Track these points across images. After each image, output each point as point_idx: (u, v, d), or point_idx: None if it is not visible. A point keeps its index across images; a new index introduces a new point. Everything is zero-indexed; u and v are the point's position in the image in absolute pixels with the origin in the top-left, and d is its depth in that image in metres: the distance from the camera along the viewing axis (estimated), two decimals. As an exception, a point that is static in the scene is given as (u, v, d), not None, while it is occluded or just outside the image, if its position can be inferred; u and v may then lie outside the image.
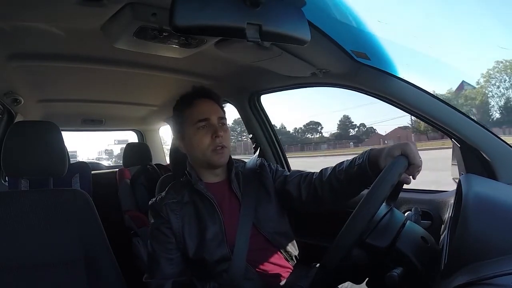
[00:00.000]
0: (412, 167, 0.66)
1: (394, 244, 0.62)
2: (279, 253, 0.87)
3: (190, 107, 0.88)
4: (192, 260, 0.84)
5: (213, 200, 0.85)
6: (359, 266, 0.64)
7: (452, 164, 1.05)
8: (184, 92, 0.93)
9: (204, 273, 0.84)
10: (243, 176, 0.92)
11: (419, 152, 0.67)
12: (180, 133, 0.91)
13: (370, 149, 0.75)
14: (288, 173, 0.93)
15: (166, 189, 0.92)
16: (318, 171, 0.87)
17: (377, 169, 0.70)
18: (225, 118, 0.90)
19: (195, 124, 0.85)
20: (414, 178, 0.68)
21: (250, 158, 1.01)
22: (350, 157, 0.80)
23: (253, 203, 0.88)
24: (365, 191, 0.63)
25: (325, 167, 0.86)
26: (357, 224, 0.57)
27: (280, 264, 0.86)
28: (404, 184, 0.69)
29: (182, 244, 0.84)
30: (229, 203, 0.88)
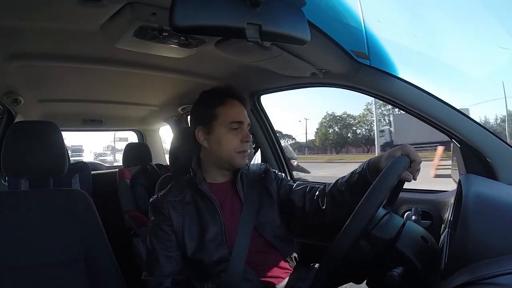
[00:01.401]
0: (414, 164, 0.67)
1: (394, 244, 0.62)
2: (279, 255, 0.87)
3: (224, 105, 0.88)
4: (190, 260, 0.84)
5: (215, 201, 0.86)
6: (362, 259, 0.64)
7: (452, 164, 1.05)
8: (215, 87, 0.94)
9: (202, 273, 0.84)
10: (247, 178, 0.93)
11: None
12: (205, 127, 0.88)
13: (370, 158, 0.77)
14: (294, 183, 0.95)
15: (168, 186, 0.92)
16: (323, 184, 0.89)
17: (377, 174, 0.70)
18: (250, 125, 0.93)
19: (229, 124, 0.86)
20: (414, 179, 0.68)
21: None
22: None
23: (256, 205, 0.88)
24: None
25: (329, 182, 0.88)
26: (361, 217, 0.57)
27: (280, 266, 0.86)
28: (405, 182, 0.69)
29: (182, 243, 0.84)
30: (231, 203, 0.89)
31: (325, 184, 0.88)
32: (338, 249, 0.57)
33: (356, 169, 0.79)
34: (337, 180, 0.84)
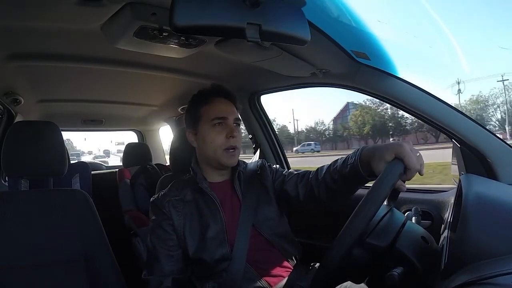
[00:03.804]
0: (409, 172, 0.60)
1: (394, 244, 0.62)
2: (279, 253, 0.87)
3: (208, 104, 0.88)
4: (192, 259, 0.84)
5: (216, 199, 0.86)
6: (359, 266, 0.64)
7: (452, 164, 1.05)
8: (202, 89, 0.94)
9: (204, 272, 0.84)
10: (244, 176, 0.93)
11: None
12: (193, 128, 0.90)
13: (362, 148, 0.72)
14: (287, 173, 0.94)
15: (169, 186, 0.92)
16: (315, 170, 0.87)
17: (369, 169, 0.67)
18: (240, 120, 0.91)
19: (211, 121, 0.86)
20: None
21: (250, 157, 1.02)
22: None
23: (254, 204, 0.88)
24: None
25: (322, 165, 0.85)
26: (351, 231, 0.55)
27: (280, 264, 0.86)
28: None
29: (183, 242, 0.84)
30: (231, 202, 0.89)
31: (317, 170, 0.85)
32: (331, 260, 0.56)
33: (348, 158, 0.74)
34: (330, 166, 0.81)
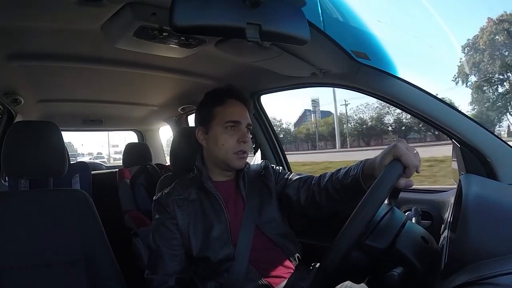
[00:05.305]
0: (408, 170, 0.61)
1: (394, 244, 0.62)
2: (281, 253, 0.87)
3: (222, 105, 0.88)
4: (195, 259, 0.84)
5: (220, 199, 0.86)
6: (359, 267, 0.64)
7: (452, 164, 1.05)
8: (216, 87, 0.94)
9: (206, 272, 0.84)
10: (248, 177, 0.93)
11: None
12: (204, 128, 0.89)
13: (365, 160, 0.74)
14: (289, 177, 0.94)
15: (172, 185, 0.92)
16: (318, 175, 0.87)
17: (372, 181, 0.67)
18: (252, 125, 0.91)
19: (224, 123, 0.86)
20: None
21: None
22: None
23: (257, 204, 0.88)
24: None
25: (325, 172, 0.86)
26: (349, 234, 0.55)
27: (282, 265, 0.86)
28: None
29: (187, 241, 0.84)
30: (235, 202, 0.89)
31: (320, 176, 0.86)
32: (330, 262, 0.56)
33: (351, 169, 0.76)
34: (332, 175, 0.81)
